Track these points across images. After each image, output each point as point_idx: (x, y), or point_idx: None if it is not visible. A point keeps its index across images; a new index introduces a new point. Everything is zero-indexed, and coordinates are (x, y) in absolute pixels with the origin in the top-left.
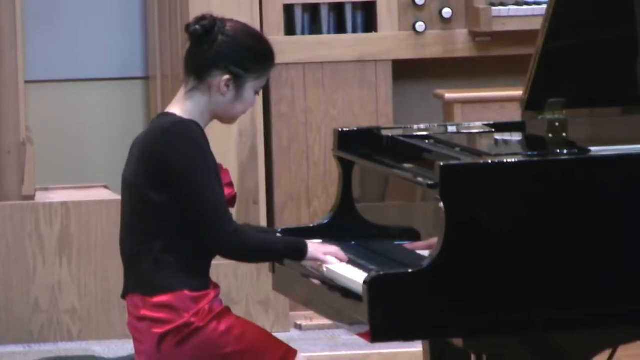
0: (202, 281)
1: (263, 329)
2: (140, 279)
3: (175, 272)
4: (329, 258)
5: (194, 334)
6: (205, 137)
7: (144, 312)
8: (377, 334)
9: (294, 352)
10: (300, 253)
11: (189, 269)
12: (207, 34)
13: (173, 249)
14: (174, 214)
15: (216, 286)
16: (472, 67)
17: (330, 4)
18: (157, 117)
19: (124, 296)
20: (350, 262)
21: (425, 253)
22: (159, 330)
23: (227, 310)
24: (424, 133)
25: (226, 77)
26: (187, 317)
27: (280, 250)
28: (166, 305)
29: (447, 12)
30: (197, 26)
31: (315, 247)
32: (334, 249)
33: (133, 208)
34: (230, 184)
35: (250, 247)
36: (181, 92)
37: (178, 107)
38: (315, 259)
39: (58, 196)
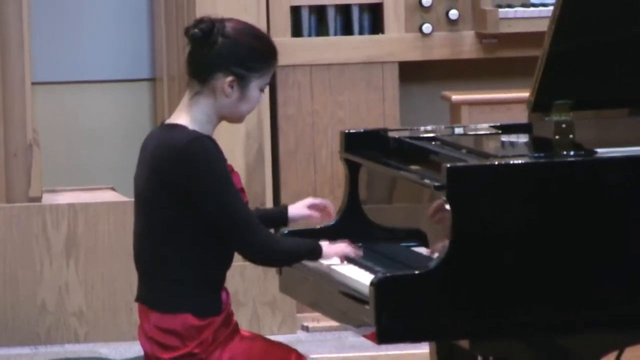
0: (212, 303)
1: (269, 345)
2: (151, 294)
3: (185, 291)
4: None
5: None
6: (220, 151)
7: (152, 333)
8: (383, 336)
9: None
10: (317, 253)
11: (201, 288)
12: (207, 37)
13: (187, 267)
14: (189, 229)
15: (227, 295)
16: (479, 68)
17: (336, 6)
18: (167, 128)
19: (137, 300)
20: (356, 263)
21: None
22: (165, 355)
23: (232, 335)
24: (431, 135)
25: (230, 78)
26: (190, 347)
27: (303, 252)
28: (172, 331)
29: (453, 13)
30: (196, 30)
31: (326, 245)
32: (343, 246)
33: (149, 222)
34: (242, 190)
35: (281, 251)
36: (186, 98)
37: (186, 116)
38: (334, 255)
39: (65, 198)
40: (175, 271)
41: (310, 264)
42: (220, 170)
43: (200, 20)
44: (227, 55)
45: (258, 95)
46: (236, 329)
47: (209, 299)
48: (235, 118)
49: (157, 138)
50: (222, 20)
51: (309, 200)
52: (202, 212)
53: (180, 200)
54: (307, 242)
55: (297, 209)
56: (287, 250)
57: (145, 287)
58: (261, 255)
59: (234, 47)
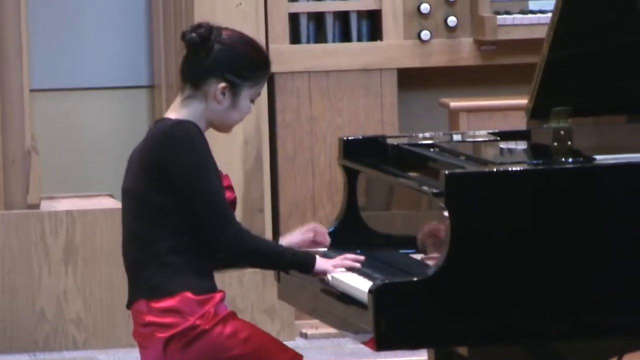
0: (208, 283)
1: (269, 334)
2: (145, 284)
3: (181, 274)
4: (339, 270)
5: (200, 337)
6: (204, 137)
7: (149, 318)
8: (382, 343)
9: (299, 358)
10: (307, 267)
11: (195, 270)
12: (204, 42)
13: (179, 251)
14: (179, 215)
15: (221, 291)
16: (478, 75)
17: (335, 13)
18: (154, 124)
19: (129, 305)
20: (355, 270)
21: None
22: (164, 334)
23: (232, 314)
24: (429, 142)
25: (222, 85)
26: (192, 321)
27: (286, 259)
28: (171, 309)
29: (452, 20)
30: (194, 34)
31: (323, 261)
32: (342, 257)
33: (137, 214)
34: (230, 188)
35: (254, 250)
36: (177, 100)
37: (174, 114)
38: (324, 272)
39: (63, 205)
40: (167, 257)
41: None
42: (200, 153)
43: (198, 26)
44: (222, 62)
45: (249, 105)
46: (235, 314)
47: (204, 280)
48: (224, 126)
49: (144, 138)
50: (219, 28)
51: (301, 233)
52: (179, 195)
53: (166, 184)
54: (296, 252)
55: (288, 240)
56: (263, 250)
57: (139, 283)
58: (230, 247)
59: (230, 54)
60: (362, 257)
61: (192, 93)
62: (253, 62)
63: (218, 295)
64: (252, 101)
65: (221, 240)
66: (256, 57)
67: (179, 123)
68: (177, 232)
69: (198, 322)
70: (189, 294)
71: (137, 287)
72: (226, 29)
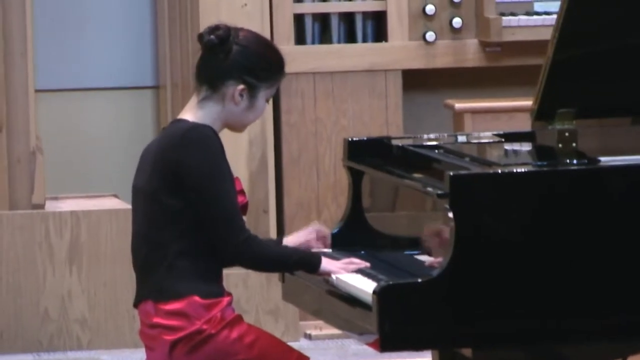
0: (216, 288)
1: (275, 337)
2: (153, 285)
3: (188, 278)
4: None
5: (206, 341)
6: (221, 142)
7: (157, 320)
8: (386, 344)
9: (305, 359)
10: (313, 266)
11: (203, 274)
12: (222, 44)
13: (188, 254)
14: (189, 218)
15: (229, 294)
16: (482, 77)
17: (340, 14)
18: (170, 124)
19: (136, 305)
20: (359, 271)
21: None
22: (170, 337)
23: (239, 318)
24: (434, 143)
25: (241, 87)
26: (199, 325)
27: (293, 262)
28: (178, 312)
29: (457, 22)
30: (212, 36)
31: (328, 260)
32: (347, 261)
33: (147, 215)
34: (242, 192)
35: (263, 256)
36: (193, 101)
37: (191, 115)
38: (329, 273)
39: (68, 205)
40: (175, 260)
41: None
42: (216, 158)
43: (216, 27)
44: (240, 64)
45: (264, 105)
46: (241, 317)
47: (211, 285)
48: (239, 126)
49: (158, 137)
50: (236, 29)
51: (309, 230)
52: (191, 199)
53: (179, 187)
54: (302, 253)
55: (292, 240)
56: (271, 255)
57: (147, 284)
58: (238, 254)
59: (248, 55)
60: (367, 264)
61: (209, 95)
62: (270, 63)
63: (225, 300)
64: (267, 100)
65: (230, 246)
66: (273, 58)
67: (196, 127)
68: (186, 235)
69: (204, 326)
70: (196, 298)
71: (145, 288)
72: (242, 29)
